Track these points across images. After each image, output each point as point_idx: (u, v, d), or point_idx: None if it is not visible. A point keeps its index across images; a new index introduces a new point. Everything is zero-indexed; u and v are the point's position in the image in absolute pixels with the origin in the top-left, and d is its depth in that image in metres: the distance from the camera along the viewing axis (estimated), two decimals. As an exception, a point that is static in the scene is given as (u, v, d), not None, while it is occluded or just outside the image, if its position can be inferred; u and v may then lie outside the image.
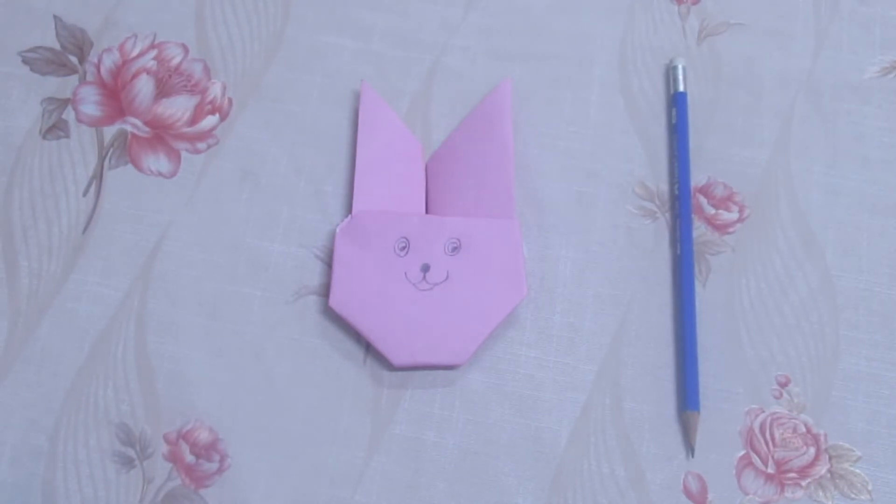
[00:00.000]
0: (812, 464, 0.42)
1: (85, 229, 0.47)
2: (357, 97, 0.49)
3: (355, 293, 0.44)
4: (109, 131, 0.49)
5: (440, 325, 0.43)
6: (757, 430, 0.43)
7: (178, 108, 0.49)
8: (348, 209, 0.47)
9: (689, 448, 0.42)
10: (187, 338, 0.44)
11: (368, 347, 0.44)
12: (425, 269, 0.44)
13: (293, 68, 0.50)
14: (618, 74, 0.51)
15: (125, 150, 0.48)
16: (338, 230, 0.45)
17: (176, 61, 0.50)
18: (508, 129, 0.48)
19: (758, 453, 0.42)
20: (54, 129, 0.49)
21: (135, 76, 0.50)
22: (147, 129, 0.49)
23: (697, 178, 0.48)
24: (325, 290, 0.45)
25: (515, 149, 0.48)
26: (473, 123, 0.48)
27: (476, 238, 0.45)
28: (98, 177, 0.48)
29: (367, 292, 0.44)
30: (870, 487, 0.42)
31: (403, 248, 0.45)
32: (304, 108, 0.49)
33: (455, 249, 0.45)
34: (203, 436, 0.42)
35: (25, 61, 0.50)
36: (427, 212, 0.47)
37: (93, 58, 0.50)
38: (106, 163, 0.48)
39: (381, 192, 0.47)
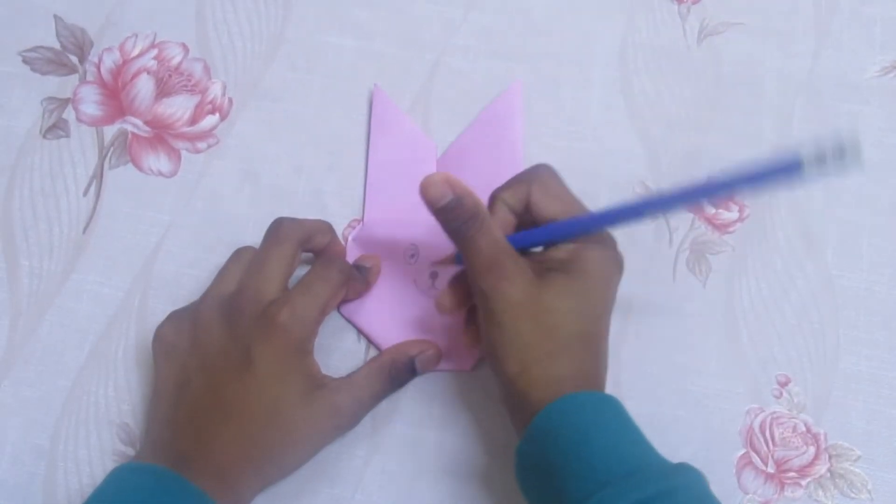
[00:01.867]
0: (812, 463, 0.42)
1: (85, 229, 0.47)
2: (358, 96, 0.49)
3: (366, 302, 0.44)
4: (110, 131, 0.49)
5: (448, 331, 0.44)
6: (757, 430, 0.43)
7: (178, 107, 0.49)
8: (349, 209, 0.47)
9: None
10: (188, 337, 0.44)
11: (369, 347, 0.44)
12: (434, 276, 0.44)
13: (294, 68, 0.50)
14: (618, 74, 0.51)
15: (125, 150, 0.48)
16: (350, 238, 0.46)
17: (176, 61, 0.50)
18: (518, 133, 0.48)
19: (758, 453, 0.42)
20: (54, 128, 0.49)
21: (135, 76, 0.50)
22: (147, 128, 0.49)
23: (697, 179, 0.48)
24: (326, 290, 0.45)
25: (516, 149, 0.48)
26: (483, 127, 0.48)
27: None
28: (98, 176, 0.48)
29: (376, 301, 0.44)
30: (869, 487, 0.42)
31: (412, 255, 0.45)
32: (305, 107, 0.49)
33: None
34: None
35: (26, 61, 0.50)
36: None
37: (93, 57, 0.50)
38: (106, 162, 0.48)
39: (393, 198, 0.47)
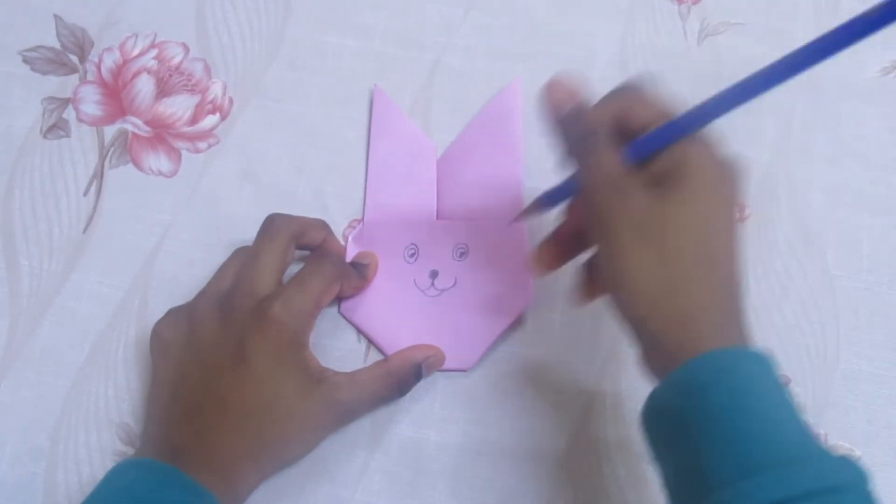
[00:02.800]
0: (812, 463, 0.42)
1: (85, 229, 0.47)
2: (358, 96, 0.49)
3: (365, 301, 0.44)
4: (110, 131, 0.49)
5: (448, 330, 0.44)
6: (757, 430, 0.43)
7: (178, 107, 0.49)
8: (349, 209, 0.47)
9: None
10: (188, 337, 0.44)
11: (369, 347, 0.44)
12: (434, 275, 0.44)
13: (294, 68, 0.50)
14: (618, 74, 0.50)
15: (126, 150, 0.48)
16: (350, 238, 0.46)
17: (176, 61, 0.50)
18: (518, 132, 0.48)
19: (758, 453, 0.42)
20: (55, 128, 0.49)
21: (135, 75, 0.50)
22: (147, 128, 0.49)
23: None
24: (326, 290, 0.45)
25: (516, 148, 0.48)
26: (483, 125, 0.48)
27: (484, 242, 0.45)
28: (99, 176, 0.48)
29: (376, 300, 0.44)
30: (870, 487, 0.42)
31: (413, 254, 0.45)
32: (306, 107, 0.49)
33: (463, 255, 0.45)
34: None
35: (26, 60, 0.50)
36: (437, 212, 0.47)
37: (93, 57, 0.50)
38: (106, 162, 0.48)
39: (393, 198, 0.47)
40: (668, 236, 0.33)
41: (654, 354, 0.34)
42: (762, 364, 0.32)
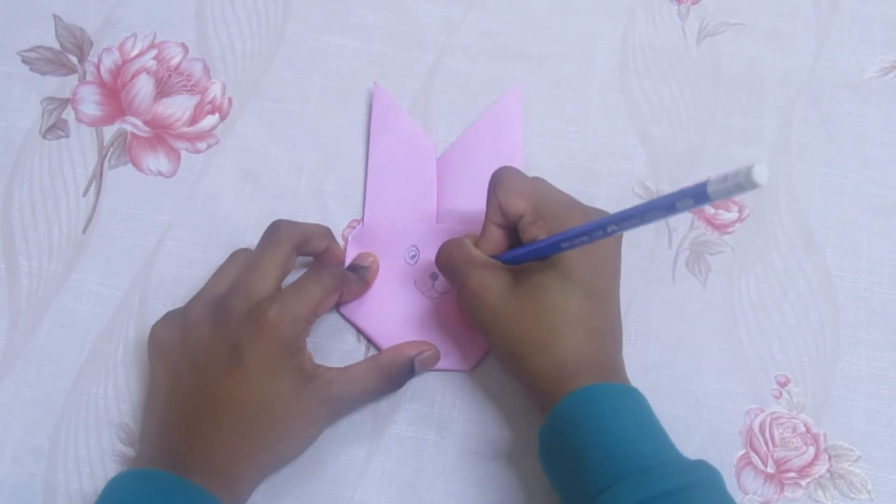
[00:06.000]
0: (812, 463, 0.42)
1: (85, 229, 0.47)
2: (358, 96, 0.49)
3: (366, 302, 0.44)
4: (109, 131, 0.49)
5: (448, 332, 0.44)
6: (757, 430, 0.43)
7: (178, 107, 0.49)
8: (349, 209, 0.47)
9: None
10: (187, 337, 0.44)
11: (369, 347, 0.44)
12: (434, 277, 0.44)
13: (294, 68, 0.50)
14: (618, 74, 0.50)
15: (125, 150, 0.48)
16: (350, 238, 0.46)
17: (176, 61, 0.50)
18: (518, 136, 0.48)
19: (757, 453, 0.42)
20: (54, 128, 0.49)
21: (135, 76, 0.50)
22: (147, 128, 0.49)
23: (697, 178, 0.48)
24: (326, 290, 0.45)
25: (516, 149, 0.48)
26: (483, 130, 0.48)
27: None
28: (98, 176, 0.48)
29: (377, 300, 0.44)
30: (869, 487, 0.42)
31: (413, 256, 0.45)
32: (305, 107, 0.49)
33: None
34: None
35: (25, 61, 0.50)
36: (437, 214, 0.47)
37: (93, 57, 0.50)
38: (106, 162, 0.48)
39: (393, 198, 0.47)
40: (527, 311, 0.38)
41: (535, 401, 0.39)
42: (622, 392, 0.37)
